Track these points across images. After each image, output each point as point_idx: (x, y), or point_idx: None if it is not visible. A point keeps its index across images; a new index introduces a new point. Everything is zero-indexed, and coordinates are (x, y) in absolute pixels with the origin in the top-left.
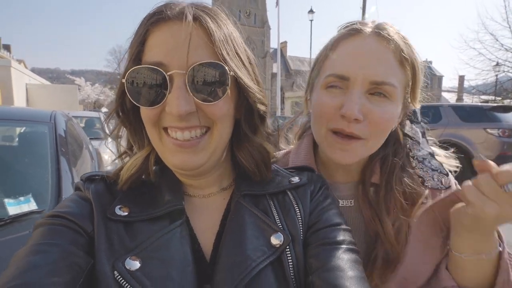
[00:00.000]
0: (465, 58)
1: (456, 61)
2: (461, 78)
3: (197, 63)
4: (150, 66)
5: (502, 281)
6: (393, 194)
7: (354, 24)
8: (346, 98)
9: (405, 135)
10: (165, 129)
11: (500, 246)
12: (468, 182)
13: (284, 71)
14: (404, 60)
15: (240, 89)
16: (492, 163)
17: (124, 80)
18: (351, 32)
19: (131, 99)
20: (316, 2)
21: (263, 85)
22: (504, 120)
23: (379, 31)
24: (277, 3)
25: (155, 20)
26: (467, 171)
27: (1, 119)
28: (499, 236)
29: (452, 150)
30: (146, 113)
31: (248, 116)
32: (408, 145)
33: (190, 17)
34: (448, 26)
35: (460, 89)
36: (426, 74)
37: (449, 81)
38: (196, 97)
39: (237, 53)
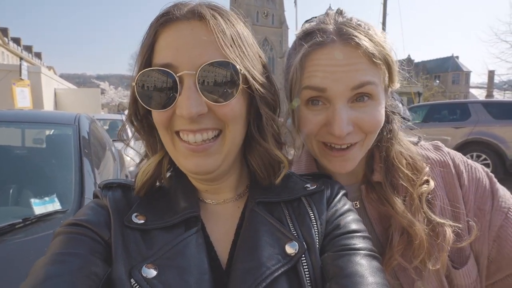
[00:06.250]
0: (495, 51)
1: (485, 55)
2: (491, 73)
3: (207, 63)
4: (160, 68)
5: None
6: (396, 170)
7: (314, 36)
8: (331, 116)
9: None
10: (177, 132)
11: None
12: None
13: None
14: (376, 59)
15: (251, 89)
16: None
17: (134, 84)
18: (315, 48)
19: (141, 102)
20: (335, 1)
21: (276, 85)
22: None
23: (344, 40)
24: (295, 3)
25: (163, 21)
26: (499, 170)
27: (29, 122)
28: None
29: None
30: (157, 116)
31: (257, 118)
32: (394, 121)
33: (198, 16)
34: (475, 19)
35: (490, 85)
36: (402, 62)
37: (477, 77)
38: (207, 98)
39: (247, 51)
